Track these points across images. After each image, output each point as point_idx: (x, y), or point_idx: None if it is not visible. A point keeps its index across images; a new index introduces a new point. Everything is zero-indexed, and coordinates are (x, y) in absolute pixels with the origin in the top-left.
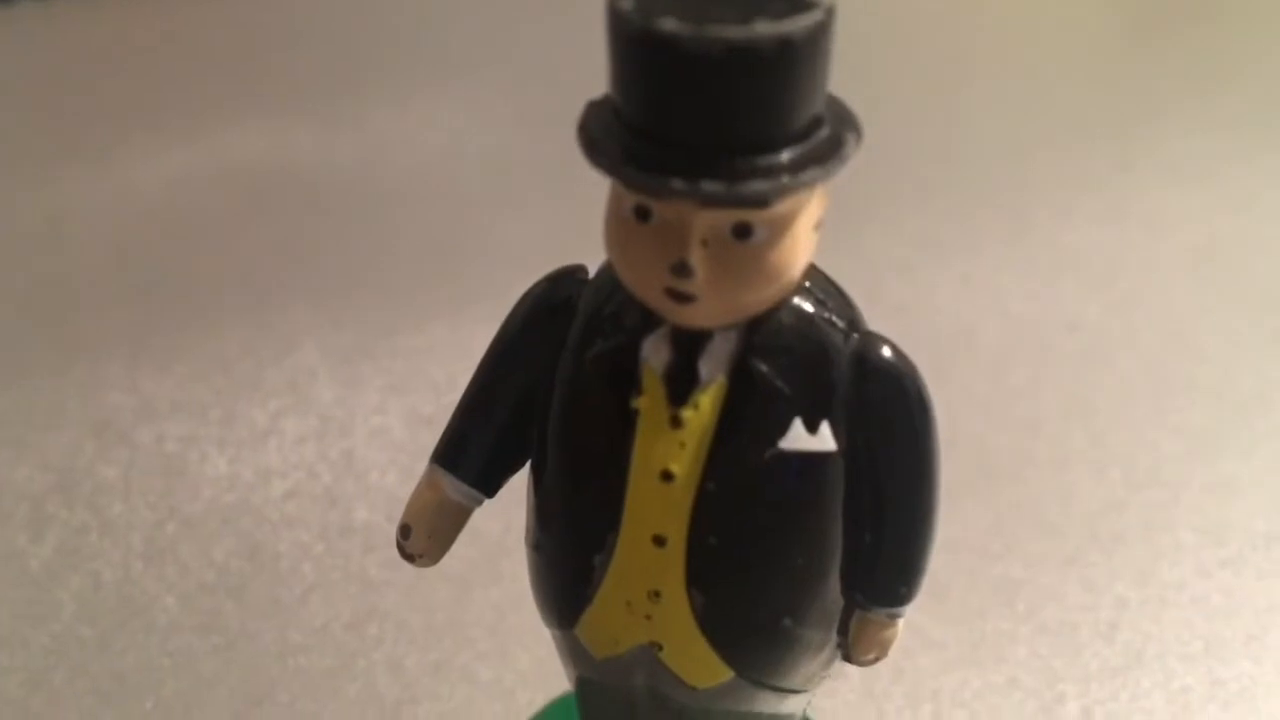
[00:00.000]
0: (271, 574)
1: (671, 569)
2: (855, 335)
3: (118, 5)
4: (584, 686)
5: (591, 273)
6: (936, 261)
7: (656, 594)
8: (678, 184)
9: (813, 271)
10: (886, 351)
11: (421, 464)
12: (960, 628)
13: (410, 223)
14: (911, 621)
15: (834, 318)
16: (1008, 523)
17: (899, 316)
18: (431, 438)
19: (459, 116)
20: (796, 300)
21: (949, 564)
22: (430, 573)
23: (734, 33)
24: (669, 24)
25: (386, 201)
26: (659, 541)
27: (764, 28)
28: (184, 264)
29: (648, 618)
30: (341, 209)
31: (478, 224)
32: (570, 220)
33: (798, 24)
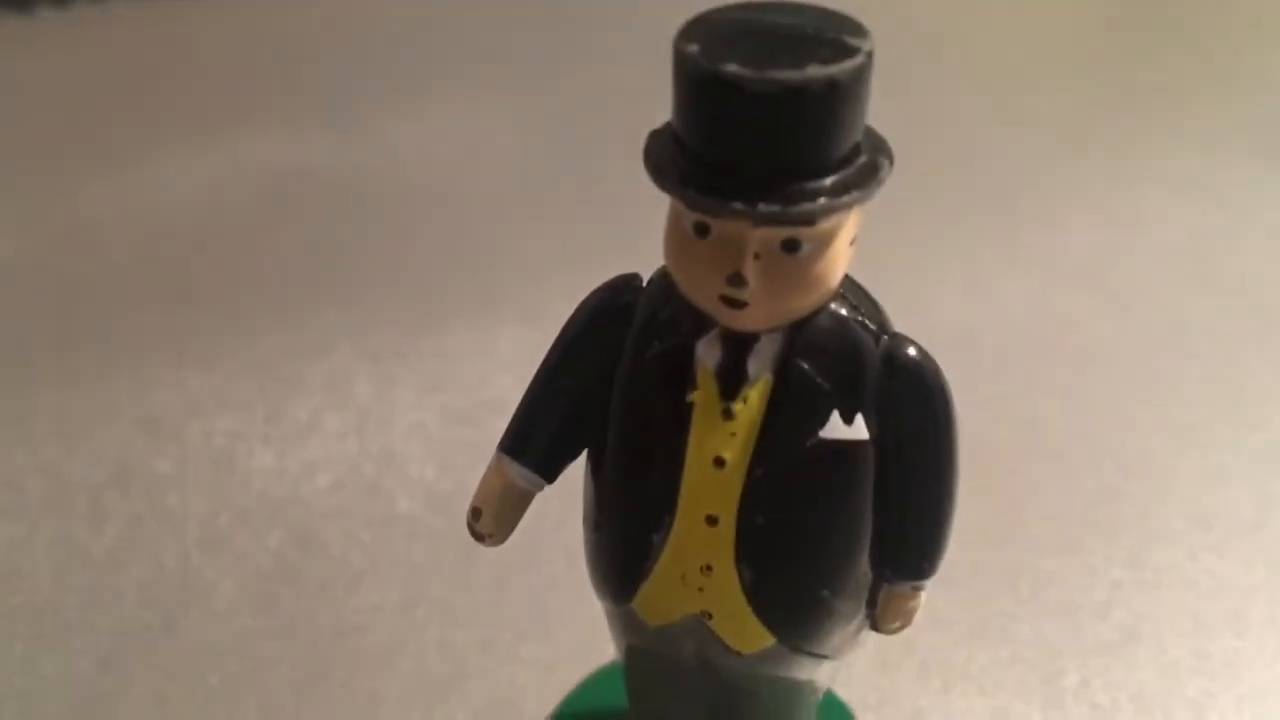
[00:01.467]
0: (322, 560)
1: (723, 546)
2: (885, 337)
3: (140, 14)
4: (633, 655)
5: (644, 281)
6: (937, 266)
7: (709, 568)
8: (738, 205)
9: (848, 281)
10: (913, 351)
11: (458, 457)
12: (968, 608)
13: (430, 228)
14: (923, 602)
15: (867, 321)
16: (1010, 512)
17: (902, 319)
18: (466, 432)
19: (478, 123)
20: (834, 306)
21: (956, 551)
22: (471, 559)
23: (790, 76)
24: (733, 68)
25: (407, 207)
26: (712, 521)
27: (815, 71)
28: (218, 267)
29: (700, 590)
30: (363, 214)
31: (496, 228)
32: (587, 224)
33: (843, 67)
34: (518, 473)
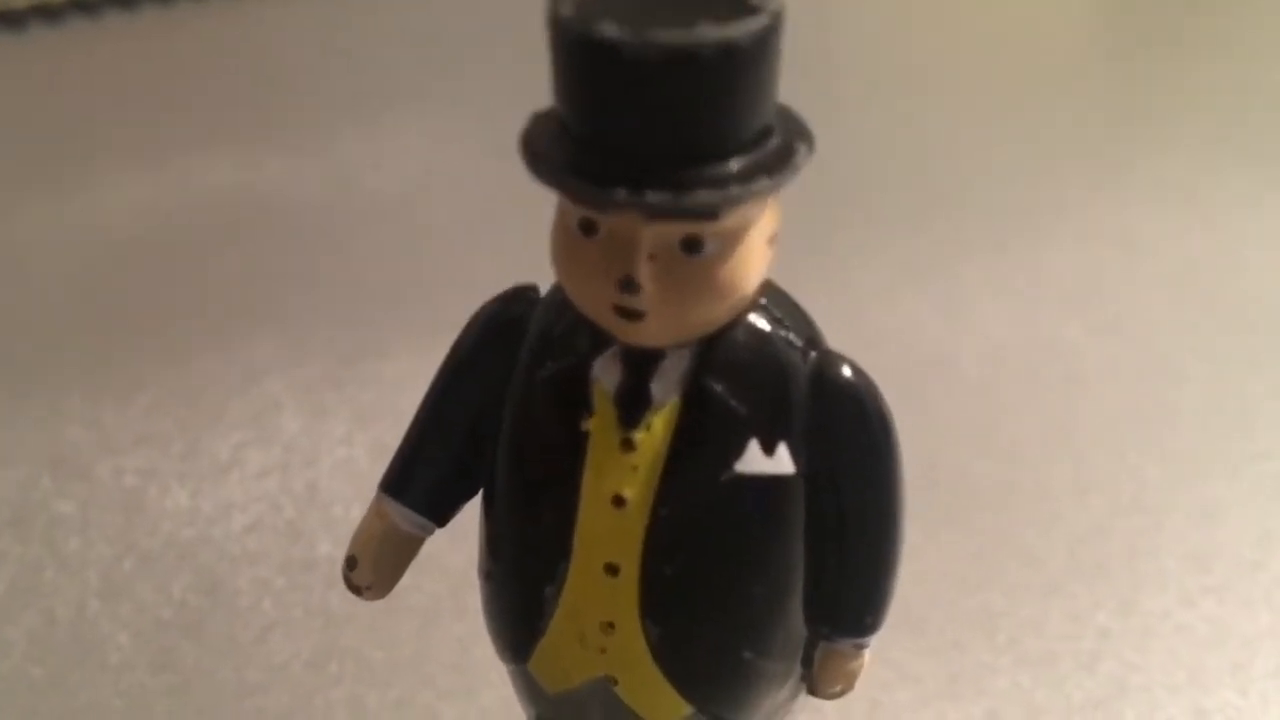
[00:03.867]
0: (230, 610)
1: (625, 599)
2: (814, 354)
3: (80, 33)
4: None
5: (544, 292)
6: (917, 287)
7: (610, 625)
8: (621, 194)
9: (769, 288)
10: (846, 370)
11: None
12: (939, 660)
13: (377, 252)
14: (888, 655)
15: (791, 335)
16: (988, 552)
17: (880, 343)
18: None
19: (426, 146)
20: (752, 318)
21: (927, 595)
22: (393, 608)
23: (676, 37)
24: (608, 29)
25: (353, 231)
26: (612, 570)
27: (707, 32)
28: (148, 294)
29: (602, 651)
30: (308, 238)
31: (444, 254)
32: (538, 251)
33: (742, 28)
34: (400, 514)
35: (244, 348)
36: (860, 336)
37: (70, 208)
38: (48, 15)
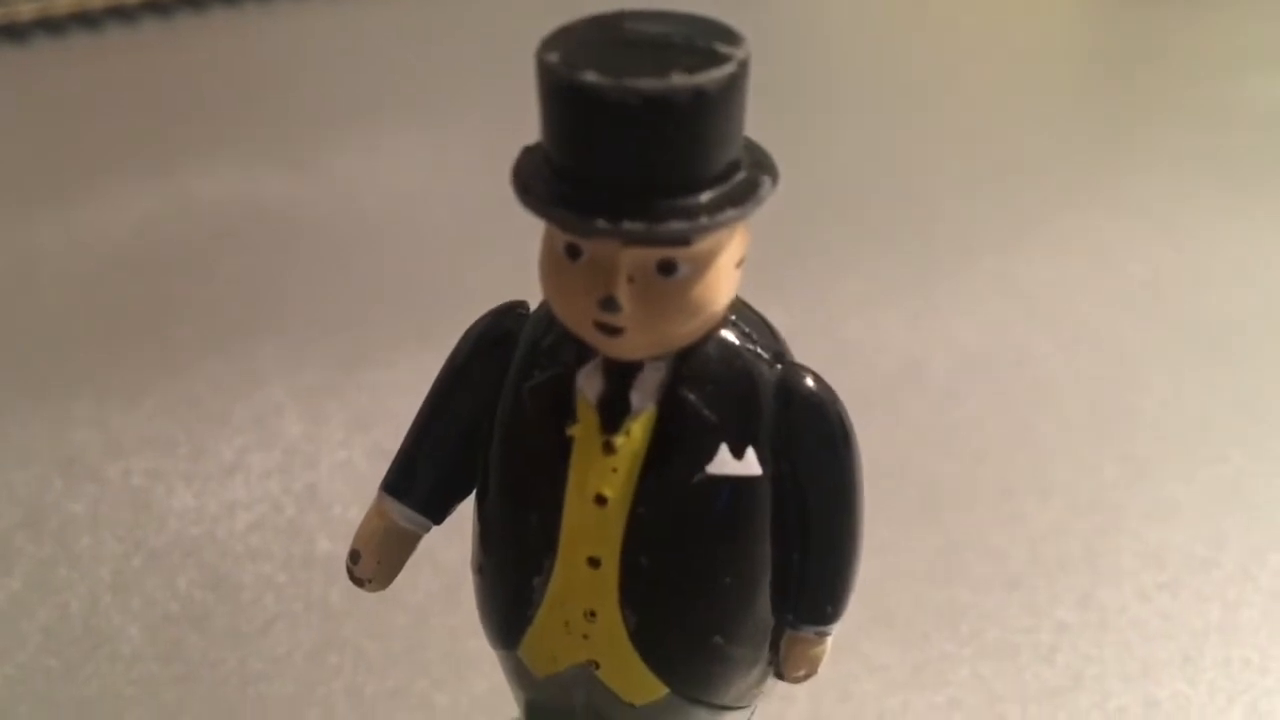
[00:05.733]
0: (234, 605)
1: (606, 589)
2: (779, 365)
3: (83, 48)
4: (531, 710)
5: (533, 308)
6: (887, 297)
7: (592, 614)
8: (601, 224)
9: (739, 305)
10: (809, 381)
11: None
12: (905, 651)
13: (375, 263)
14: (858, 646)
15: (759, 349)
16: (954, 549)
17: (855, 353)
18: None
19: (423, 159)
20: (723, 333)
21: (896, 589)
22: (389, 602)
23: (650, 85)
24: (590, 76)
25: (352, 242)
26: (594, 563)
27: (679, 80)
28: (153, 303)
29: (585, 637)
30: (308, 249)
31: (440, 264)
32: (529, 260)
33: (711, 76)
34: (400, 513)
35: (246, 354)
36: (837, 346)
37: (78, 218)
38: (50, 28)
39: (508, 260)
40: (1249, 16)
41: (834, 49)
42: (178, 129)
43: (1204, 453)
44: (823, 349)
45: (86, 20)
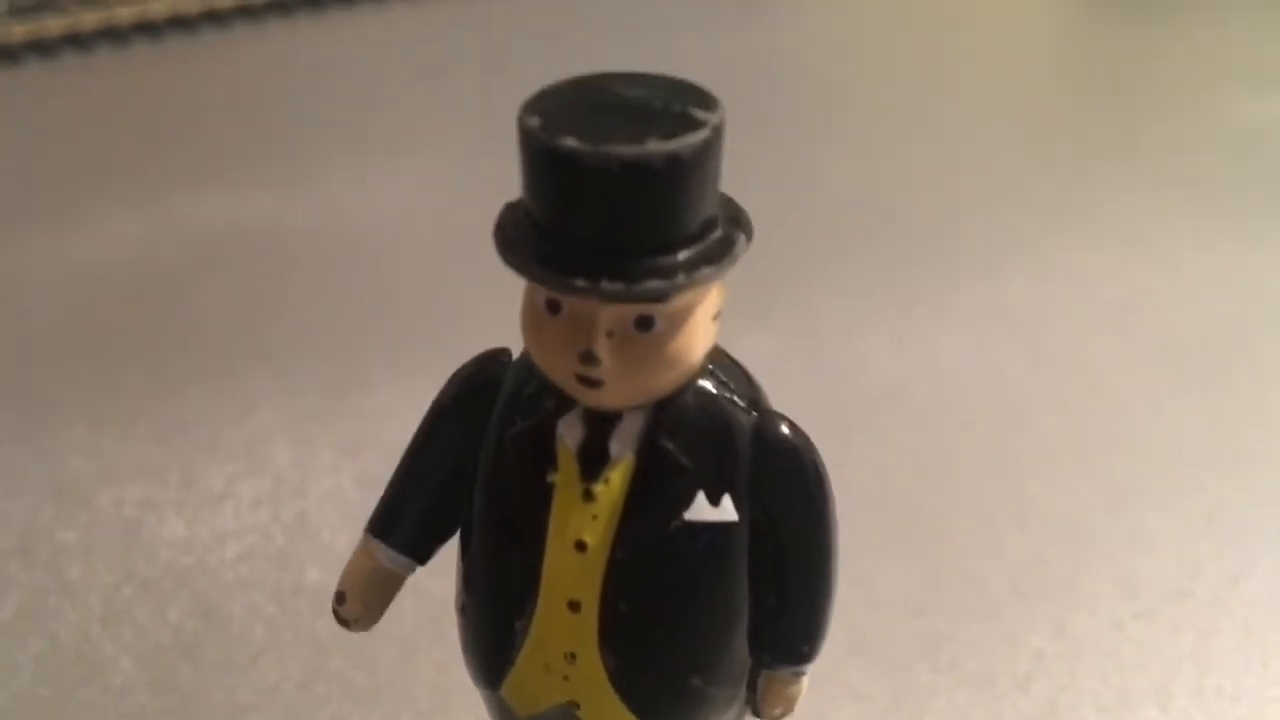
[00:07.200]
0: (224, 635)
1: (586, 632)
2: (755, 413)
3: (72, 71)
4: None
5: (515, 356)
6: (872, 323)
7: (573, 656)
8: (580, 283)
9: (717, 354)
10: (784, 428)
11: None
12: (884, 680)
13: (364, 288)
14: (838, 676)
15: (735, 397)
16: (933, 577)
17: (832, 374)
18: None
19: (412, 185)
20: (701, 382)
21: (875, 620)
22: (377, 633)
23: (628, 151)
24: (570, 142)
25: (341, 268)
26: (574, 607)
27: (655, 146)
28: (144, 328)
29: (565, 678)
30: (297, 274)
31: (429, 290)
32: (516, 289)
33: (685, 142)
34: (385, 555)
35: (236, 381)
36: (818, 369)
37: (69, 243)
38: (42, 50)
39: (498, 285)
40: (1230, 39)
41: (817, 75)
42: (167, 152)
43: (1180, 482)
44: (804, 372)
45: (77, 42)
